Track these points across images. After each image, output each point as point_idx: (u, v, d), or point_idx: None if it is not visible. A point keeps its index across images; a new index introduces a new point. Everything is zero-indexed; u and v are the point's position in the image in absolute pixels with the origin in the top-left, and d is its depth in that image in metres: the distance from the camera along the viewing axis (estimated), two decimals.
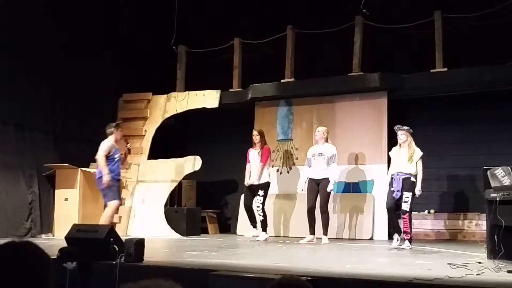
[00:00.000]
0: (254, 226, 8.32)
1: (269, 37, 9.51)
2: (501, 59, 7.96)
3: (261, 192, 8.04)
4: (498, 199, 5.22)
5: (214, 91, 9.81)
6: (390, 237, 7.53)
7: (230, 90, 9.85)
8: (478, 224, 8.12)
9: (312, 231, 7.62)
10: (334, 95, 9.08)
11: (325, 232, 7.53)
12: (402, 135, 6.97)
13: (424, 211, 8.78)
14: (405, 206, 6.74)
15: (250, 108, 9.67)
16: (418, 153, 6.89)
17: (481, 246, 5.97)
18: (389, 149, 8.52)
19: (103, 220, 7.32)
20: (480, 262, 4.98)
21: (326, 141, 7.78)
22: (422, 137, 9.08)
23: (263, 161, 8.10)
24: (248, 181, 8.18)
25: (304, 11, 9.68)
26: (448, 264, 4.79)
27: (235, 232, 9.35)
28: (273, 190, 8.94)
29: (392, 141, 8.66)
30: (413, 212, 8.77)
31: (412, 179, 6.77)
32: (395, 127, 7.12)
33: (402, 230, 6.80)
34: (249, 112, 9.63)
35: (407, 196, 6.72)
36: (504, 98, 8.33)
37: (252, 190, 8.15)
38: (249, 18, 10.09)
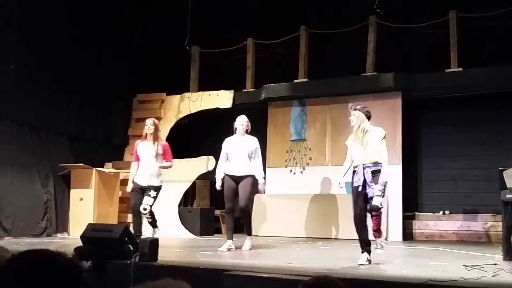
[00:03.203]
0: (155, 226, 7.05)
1: (283, 37, 9.51)
2: None
3: (153, 193, 6.79)
4: None
5: (227, 92, 9.83)
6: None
7: (244, 90, 9.87)
8: (493, 226, 8.04)
9: (231, 236, 6.54)
10: (347, 95, 9.02)
11: (249, 233, 6.64)
12: (353, 115, 5.38)
13: (439, 212, 8.72)
14: (376, 201, 5.14)
15: (263, 108, 9.67)
16: (380, 132, 5.34)
17: (497, 247, 5.92)
18: (404, 149, 8.50)
19: None
20: (495, 264, 4.94)
21: (247, 132, 6.77)
22: (437, 137, 9.07)
23: (171, 160, 7.02)
24: (140, 182, 6.83)
25: (318, 11, 9.66)
26: (463, 265, 4.76)
27: None
28: (286, 190, 8.94)
29: (407, 141, 8.64)
30: (427, 213, 8.78)
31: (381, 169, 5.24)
32: (349, 106, 5.59)
33: (373, 228, 5.32)
34: (262, 112, 9.63)
35: (380, 189, 5.16)
36: None
37: (144, 190, 6.82)
38: (263, 18, 10.09)
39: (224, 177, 6.60)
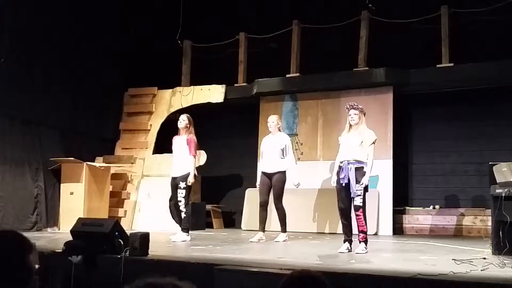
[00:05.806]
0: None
1: (275, 32, 9.49)
2: (507, 55, 7.92)
3: (182, 185, 7.00)
4: (503, 194, 5.21)
5: (219, 86, 9.81)
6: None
7: (235, 84, 9.85)
8: (483, 220, 8.10)
9: (262, 228, 7.03)
10: (339, 90, 9.06)
11: (283, 229, 6.99)
12: (355, 115, 5.82)
13: (429, 207, 8.76)
14: (358, 201, 5.64)
15: (255, 103, 9.66)
16: (372, 136, 5.83)
17: (486, 241, 5.96)
18: (395, 144, 8.54)
19: None
20: (485, 258, 4.98)
21: (279, 130, 7.22)
22: (428, 132, 9.11)
23: (194, 154, 7.19)
24: (172, 174, 7.23)
25: (310, 5, 9.65)
26: (452, 259, 4.79)
27: (239, 227, 9.36)
28: None
29: (398, 136, 8.68)
30: (418, 208, 8.83)
31: (365, 169, 5.73)
32: (347, 105, 5.99)
33: (358, 229, 5.72)
34: (254, 107, 9.63)
35: (359, 188, 5.64)
36: (510, 93, 8.29)
37: (176, 184, 7.10)
38: (255, 12, 10.06)
39: (261, 174, 7.10)
